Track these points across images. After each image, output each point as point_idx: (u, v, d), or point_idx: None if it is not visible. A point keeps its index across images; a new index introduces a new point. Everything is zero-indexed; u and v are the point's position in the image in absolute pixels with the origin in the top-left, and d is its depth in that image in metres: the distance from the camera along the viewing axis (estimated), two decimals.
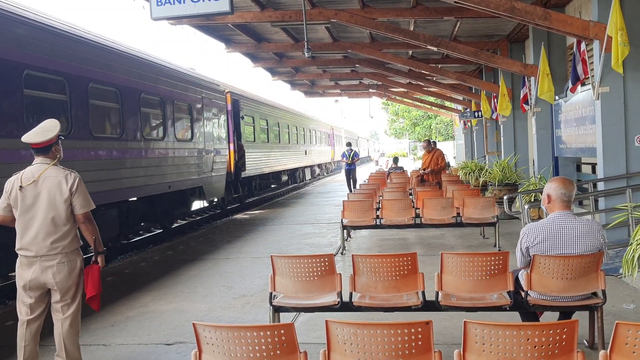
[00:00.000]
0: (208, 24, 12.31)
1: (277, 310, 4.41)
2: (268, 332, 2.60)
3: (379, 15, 11.37)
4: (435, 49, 12.12)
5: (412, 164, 43.74)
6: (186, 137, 12.12)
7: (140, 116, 9.95)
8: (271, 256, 4.38)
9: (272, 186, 22.55)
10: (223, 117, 14.65)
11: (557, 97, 10.76)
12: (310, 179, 28.84)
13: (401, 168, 17.75)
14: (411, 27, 13.01)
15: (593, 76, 8.07)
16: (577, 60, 8.64)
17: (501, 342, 2.50)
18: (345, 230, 9.32)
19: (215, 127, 13.94)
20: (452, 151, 35.54)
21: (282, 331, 2.61)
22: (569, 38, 10.94)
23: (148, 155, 10.19)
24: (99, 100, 8.81)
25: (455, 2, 8.19)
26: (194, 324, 2.67)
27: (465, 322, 2.55)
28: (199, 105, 12.81)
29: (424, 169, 13.62)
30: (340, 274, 4.35)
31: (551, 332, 2.49)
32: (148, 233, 12.54)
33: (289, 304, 4.37)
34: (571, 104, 9.98)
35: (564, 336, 2.50)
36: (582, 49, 8.53)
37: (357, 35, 14.53)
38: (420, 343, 2.57)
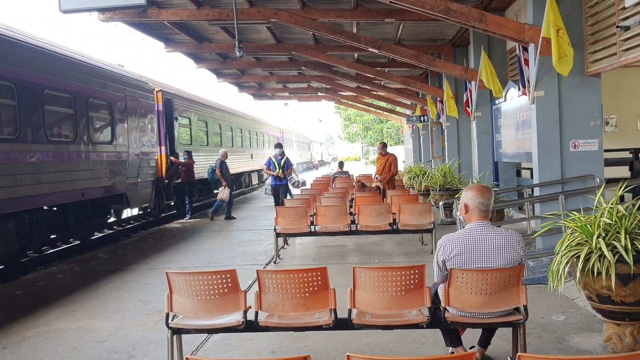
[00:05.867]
0: (142, 22, 11.69)
1: (177, 332, 3.96)
2: None
3: (320, 16, 11.06)
4: (377, 51, 11.89)
5: (364, 168, 43.75)
6: (105, 139, 11.05)
7: (44, 115, 8.86)
8: (166, 273, 3.92)
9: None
10: (152, 118, 13.50)
11: (496, 102, 10.67)
12: (257, 184, 28.21)
13: (346, 172, 17.47)
14: (354, 29, 12.76)
15: (529, 80, 7.93)
16: (522, 63, 8.48)
17: None
18: (281, 238, 8.92)
19: (141, 129, 12.79)
20: (402, 155, 35.74)
21: None
22: (509, 42, 10.89)
23: (54, 160, 9.11)
24: None
25: (390, 2, 7.94)
26: None
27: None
28: (121, 104, 11.71)
29: (378, 176, 12.47)
30: (245, 292, 3.94)
31: None
32: (66, 245, 11.36)
33: (188, 325, 3.92)
34: (509, 109, 9.88)
35: None
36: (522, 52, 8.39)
37: (301, 37, 14.18)
38: None
